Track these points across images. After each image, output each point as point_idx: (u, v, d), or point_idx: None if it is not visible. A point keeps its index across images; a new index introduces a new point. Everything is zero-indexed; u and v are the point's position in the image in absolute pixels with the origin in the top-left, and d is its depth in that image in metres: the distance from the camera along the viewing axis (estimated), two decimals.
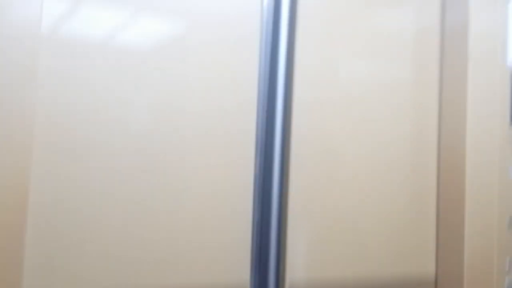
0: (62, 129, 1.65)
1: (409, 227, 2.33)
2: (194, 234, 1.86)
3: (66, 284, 1.67)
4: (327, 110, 2.13)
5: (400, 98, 2.32)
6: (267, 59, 2.04)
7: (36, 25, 1.47)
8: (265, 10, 2.04)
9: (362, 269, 2.19)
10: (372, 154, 2.23)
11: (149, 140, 1.79)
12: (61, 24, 1.65)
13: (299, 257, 2.08)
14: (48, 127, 1.62)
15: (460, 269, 2.27)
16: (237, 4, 1.97)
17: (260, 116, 2.00)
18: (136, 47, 1.78)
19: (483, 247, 2.29)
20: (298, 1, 2.09)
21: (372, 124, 2.24)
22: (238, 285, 1.96)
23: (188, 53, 1.86)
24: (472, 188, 2.27)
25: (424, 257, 2.36)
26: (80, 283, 1.69)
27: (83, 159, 1.68)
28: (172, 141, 1.84)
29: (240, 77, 1.97)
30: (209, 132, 1.90)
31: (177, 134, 1.85)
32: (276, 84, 2.04)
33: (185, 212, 1.84)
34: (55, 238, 1.63)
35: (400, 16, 2.35)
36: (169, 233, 1.82)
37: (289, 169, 2.02)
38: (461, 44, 2.35)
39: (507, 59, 2.39)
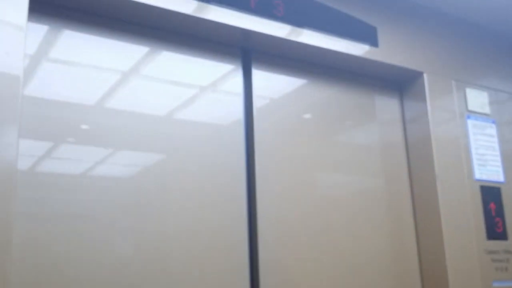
0: (39, 264, 1.62)
1: None
2: None
3: None
4: (303, 227, 2.15)
5: (375, 208, 2.36)
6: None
7: (12, 165, 1.49)
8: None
9: None
10: (352, 266, 2.21)
11: (135, 273, 1.77)
12: (38, 163, 1.68)
13: None
14: (25, 265, 1.60)
15: None
16: (217, 138, 2.05)
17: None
18: (116, 175, 1.81)
19: None
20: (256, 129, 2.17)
21: (350, 239, 2.24)
22: None
23: (167, 177, 1.90)
24: None
25: None
26: None
27: None
28: (158, 276, 1.81)
29: (226, 206, 2.00)
30: (193, 264, 1.88)
31: (162, 262, 1.83)
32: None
33: None
34: None
35: (366, 133, 2.46)
36: None
37: None
38: (426, 158, 2.43)
39: (474, 171, 2.47)
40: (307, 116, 2.31)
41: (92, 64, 1.87)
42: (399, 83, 2.61)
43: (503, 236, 2.45)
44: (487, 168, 2.51)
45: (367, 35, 2.36)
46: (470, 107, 2.56)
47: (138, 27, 1.98)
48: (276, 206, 2.11)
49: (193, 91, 2.08)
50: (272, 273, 2.02)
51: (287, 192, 2.15)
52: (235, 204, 2.03)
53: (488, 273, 2.35)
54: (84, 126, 1.81)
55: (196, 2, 1.94)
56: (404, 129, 2.55)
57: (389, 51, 2.42)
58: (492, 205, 2.46)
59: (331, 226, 2.21)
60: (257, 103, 2.19)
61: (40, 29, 1.79)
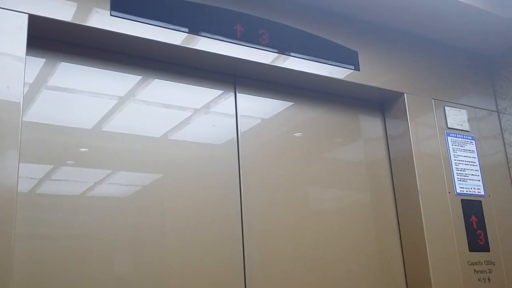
0: (40, 283, 1.70)
1: None
2: None
3: None
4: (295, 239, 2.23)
5: (361, 222, 2.46)
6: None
7: (13, 189, 1.58)
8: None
9: None
10: (339, 278, 2.29)
11: (130, 281, 1.85)
12: (39, 185, 1.78)
13: None
14: (26, 285, 1.68)
15: None
16: (212, 157, 2.16)
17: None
18: (114, 195, 1.91)
19: None
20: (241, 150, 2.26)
21: (336, 251, 2.33)
22: None
23: (164, 196, 2.00)
24: None
25: None
26: None
27: None
28: (153, 279, 1.89)
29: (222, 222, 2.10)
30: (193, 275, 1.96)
31: (160, 278, 1.92)
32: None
33: None
34: None
35: (351, 151, 2.57)
36: None
37: None
38: (408, 173, 2.53)
39: (455, 186, 2.57)
40: (295, 136, 2.42)
41: (88, 91, 1.97)
42: (381, 103, 2.73)
43: (485, 248, 2.55)
44: (468, 182, 2.62)
45: (349, 59, 2.48)
46: (450, 125, 2.68)
47: (131, 57, 2.09)
48: (263, 220, 2.20)
49: (188, 114, 2.18)
50: (261, 285, 2.11)
51: (273, 207, 2.25)
52: (231, 221, 2.12)
53: (471, 284, 2.44)
54: (82, 149, 1.92)
55: (185, 34, 2.06)
56: (387, 147, 2.66)
57: (370, 74, 2.54)
58: (473, 218, 2.55)
59: (317, 239, 2.30)
60: (246, 124, 2.30)
61: (39, 62, 1.90)
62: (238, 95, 2.32)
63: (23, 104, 1.68)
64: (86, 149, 1.92)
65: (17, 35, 1.72)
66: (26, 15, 1.75)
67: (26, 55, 1.73)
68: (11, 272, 1.52)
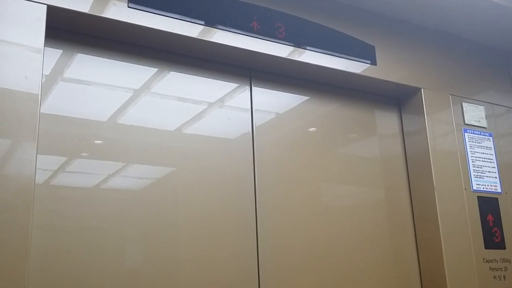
0: (56, 273, 1.72)
1: None
2: None
3: None
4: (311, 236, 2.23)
5: (376, 218, 2.44)
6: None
7: (31, 180, 1.59)
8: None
9: None
10: (353, 275, 2.28)
11: (147, 281, 1.86)
12: (54, 176, 1.79)
13: None
14: (42, 275, 1.69)
15: None
16: (226, 151, 2.16)
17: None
18: (128, 188, 1.91)
19: None
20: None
21: (350, 248, 2.32)
22: None
23: (178, 190, 2.00)
24: None
25: None
26: None
27: None
28: (169, 283, 1.90)
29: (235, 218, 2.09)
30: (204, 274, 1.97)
31: (173, 271, 1.93)
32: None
33: None
34: None
35: (367, 146, 2.55)
36: None
37: None
38: (424, 170, 2.50)
39: (471, 183, 2.55)
40: (310, 130, 2.41)
41: (104, 83, 1.98)
42: (398, 99, 2.70)
43: (501, 245, 2.52)
44: (484, 179, 2.59)
45: (366, 54, 2.46)
46: (467, 121, 2.65)
47: (147, 49, 2.09)
48: (277, 214, 2.20)
49: (203, 107, 2.18)
50: (274, 280, 2.11)
51: (288, 201, 2.24)
52: (245, 215, 2.12)
53: (487, 282, 2.42)
54: (97, 141, 1.92)
55: (202, 26, 2.06)
56: (403, 143, 2.64)
57: (387, 69, 2.52)
58: (489, 216, 2.53)
59: (331, 234, 2.29)
60: (261, 118, 2.30)
61: (56, 53, 1.91)
62: (254, 88, 2.31)
63: (41, 96, 1.68)
64: (101, 142, 1.92)
65: (36, 26, 1.73)
66: (45, 6, 1.76)
67: (44, 46, 1.73)
68: (28, 261, 1.53)
